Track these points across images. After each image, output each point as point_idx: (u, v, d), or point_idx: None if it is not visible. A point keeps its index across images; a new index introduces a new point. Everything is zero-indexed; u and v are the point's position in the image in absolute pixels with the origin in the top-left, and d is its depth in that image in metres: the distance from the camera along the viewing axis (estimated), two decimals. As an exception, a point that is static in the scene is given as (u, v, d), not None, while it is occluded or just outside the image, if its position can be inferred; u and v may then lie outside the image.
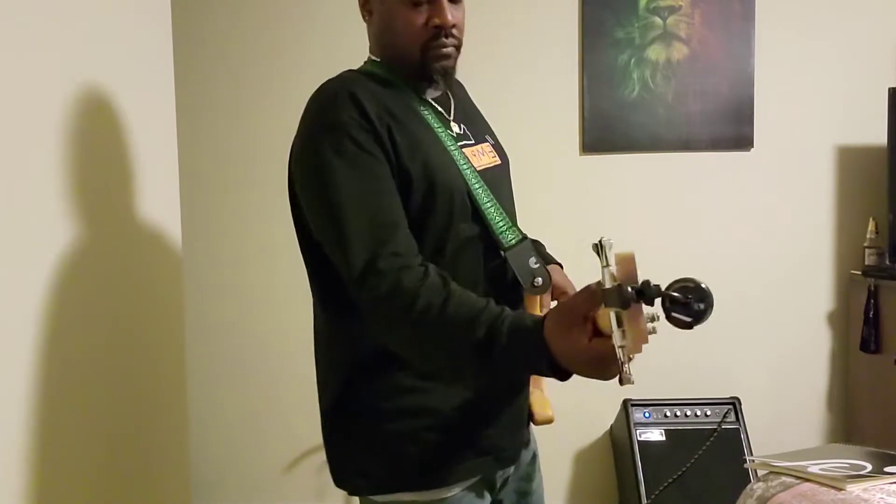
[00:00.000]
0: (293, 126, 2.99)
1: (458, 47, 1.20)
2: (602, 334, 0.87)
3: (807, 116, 2.76)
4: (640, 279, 0.84)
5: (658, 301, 0.85)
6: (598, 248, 0.85)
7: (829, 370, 2.80)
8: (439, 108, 1.24)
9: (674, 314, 0.84)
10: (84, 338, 1.52)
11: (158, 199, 1.85)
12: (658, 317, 0.84)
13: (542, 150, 2.72)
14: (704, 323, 0.84)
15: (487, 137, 1.31)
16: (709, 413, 2.58)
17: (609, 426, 2.78)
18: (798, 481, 1.54)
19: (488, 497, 1.22)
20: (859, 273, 2.65)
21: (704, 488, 2.42)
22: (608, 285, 0.83)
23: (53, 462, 1.42)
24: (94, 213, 1.57)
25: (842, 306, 2.77)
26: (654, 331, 0.84)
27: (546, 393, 1.34)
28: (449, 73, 1.20)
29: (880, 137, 2.61)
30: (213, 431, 2.78)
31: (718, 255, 2.78)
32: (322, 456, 2.86)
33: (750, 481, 1.87)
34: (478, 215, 1.16)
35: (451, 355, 0.99)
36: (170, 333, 1.92)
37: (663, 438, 2.53)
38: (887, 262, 2.57)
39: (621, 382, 0.82)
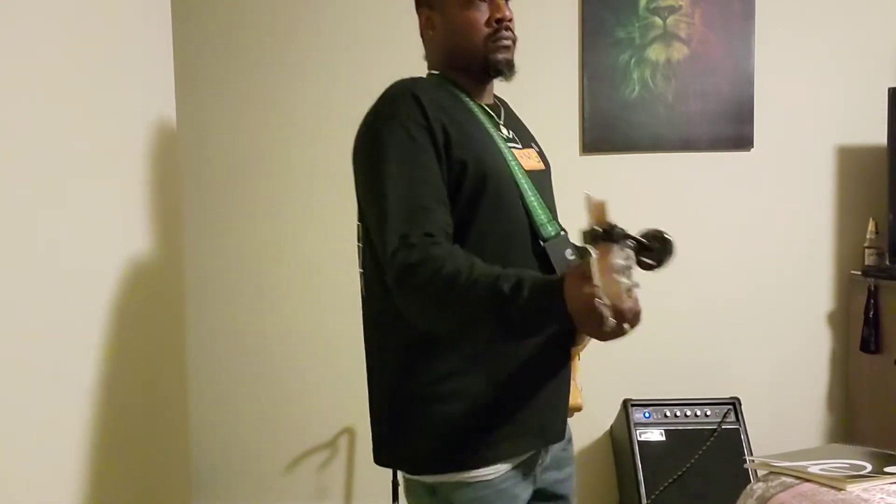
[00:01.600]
0: (294, 125, 3.00)
1: (514, 41, 1.33)
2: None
3: (807, 116, 2.76)
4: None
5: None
6: (588, 203, 0.94)
7: (829, 370, 2.80)
8: (491, 113, 1.35)
9: (641, 258, 0.94)
10: (84, 337, 1.52)
11: (160, 199, 1.85)
12: (631, 268, 0.92)
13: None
14: (667, 265, 0.97)
15: (533, 144, 1.42)
16: (709, 413, 2.58)
17: (609, 426, 2.78)
18: (798, 481, 1.54)
19: (531, 477, 1.28)
20: (859, 273, 2.65)
21: (704, 488, 2.42)
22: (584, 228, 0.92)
23: (53, 461, 1.42)
24: (94, 213, 1.57)
25: (842, 306, 2.77)
26: (630, 281, 0.91)
27: (578, 383, 1.38)
28: (511, 64, 1.33)
29: (880, 137, 2.61)
30: (213, 431, 2.78)
31: (718, 254, 2.78)
32: (322, 456, 2.86)
33: (750, 481, 1.87)
34: (523, 206, 1.25)
35: (477, 313, 1.05)
36: (170, 333, 1.92)
37: (663, 438, 2.53)
38: (887, 262, 2.57)
39: (605, 331, 0.90)
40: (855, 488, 1.45)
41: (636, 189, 2.77)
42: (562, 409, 1.32)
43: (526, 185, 1.27)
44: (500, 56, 1.31)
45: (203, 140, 2.75)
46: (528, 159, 1.33)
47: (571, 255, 1.28)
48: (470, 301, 1.04)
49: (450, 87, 1.32)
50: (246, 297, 2.80)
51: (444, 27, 1.33)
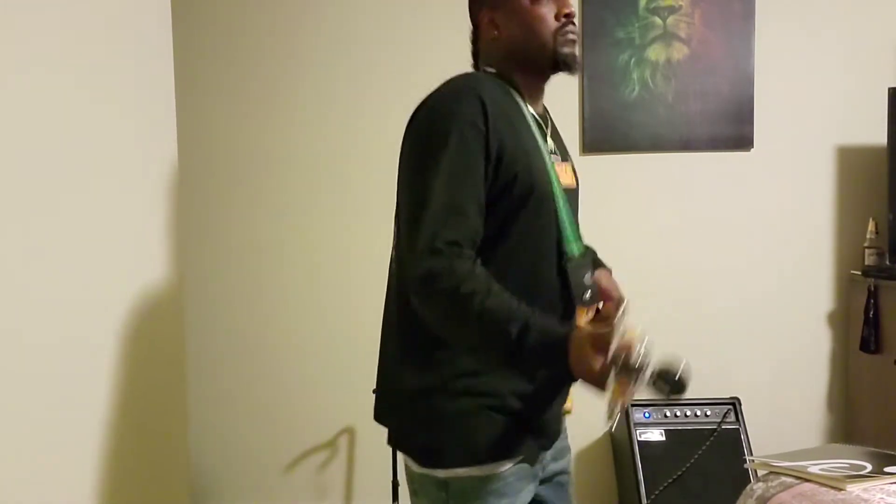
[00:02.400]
0: (294, 125, 3.00)
1: (574, 35, 1.35)
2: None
3: (807, 116, 2.76)
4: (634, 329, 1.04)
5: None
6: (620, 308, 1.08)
7: (829, 370, 2.80)
8: (540, 122, 1.36)
9: (656, 388, 1.05)
10: (83, 338, 1.52)
11: (158, 198, 1.86)
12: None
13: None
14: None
15: (569, 159, 1.43)
16: (709, 413, 2.58)
17: (609, 426, 2.78)
18: (798, 481, 1.54)
19: (537, 469, 1.31)
20: (859, 273, 2.65)
21: (704, 488, 2.42)
22: (613, 349, 1.02)
23: (53, 461, 1.42)
24: (93, 213, 1.57)
25: (842, 306, 2.77)
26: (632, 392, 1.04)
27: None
28: (576, 59, 1.35)
29: (880, 137, 2.61)
30: (213, 431, 2.78)
31: (718, 255, 2.78)
32: (322, 456, 2.86)
33: (750, 481, 1.87)
34: (556, 223, 1.27)
35: (483, 342, 1.13)
36: (170, 333, 1.92)
37: (663, 438, 2.53)
38: (887, 262, 2.57)
39: (608, 417, 1.07)
40: (855, 488, 1.45)
41: (636, 189, 2.77)
42: (560, 418, 1.37)
43: (561, 203, 1.28)
44: (568, 50, 1.32)
45: (203, 140, 2.75)
46: (564, 175, 1.34)
47: (589, 280, 1.32)
48: (477, 330, 1.11)
49: (509, 89, 1.32)
50: (246, 297, 2.80)
51: (511, 25, 1.33)
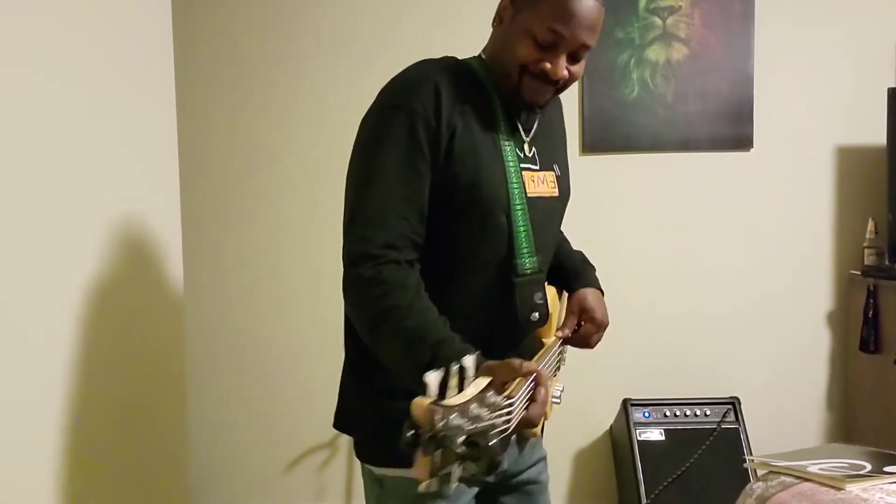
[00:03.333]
0: (294, 123, 2.99)
1: (558, 90, 1.23)
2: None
3: (807, 116, 2.76)
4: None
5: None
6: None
7: (828, 370, 2.80)
8: (518, 126, 1.26)
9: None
10: (83, 337, 1.52)
11: (158, 199, 1.86)
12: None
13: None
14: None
15: (555, 168, 1.34)
16: (708, 413, 2.58)
17: (609, 426, 2.78)
18: (798, 481, 1.54)
19: (477, 485, 1.26)
20: (859, 273, 2.66)
21: (704, 488, 2.42)
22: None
23: (53, 461, 1.42)
24: (93, 213, 1.57)
25: (841, 306, 2.77)
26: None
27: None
28: (533, 111, 1.25)
29: (880, 137, 2.61)
30: (213, 431, 2.79)
31: (718, 255, 2.78)
32: (322, 456, 2.86)
33: (749, 481, 1.87)
34: (509, 236, 1.19)
35: (398, 360, 1.06)
36: (170, 333, 1.92)
37: (663, 438, 2.53)
38: (887, 262, 2.57)
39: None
40: (854, 488, 1.45)
41: (636, 189, 2.77)
42: None
43: (519, 214, 1.19)
44: (528, 95, 1.20)
45: (203, 139, 2.75)
46: (539, 184, 1.25)
47: (540, 299, 1.23)
48: (390, 347, 1.06)
49: (487, 82, 1.23)
50: (245, 297, 2.80)
51: (505, 32, 1.22)
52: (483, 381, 0.82)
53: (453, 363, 0.79)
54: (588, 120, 2.74)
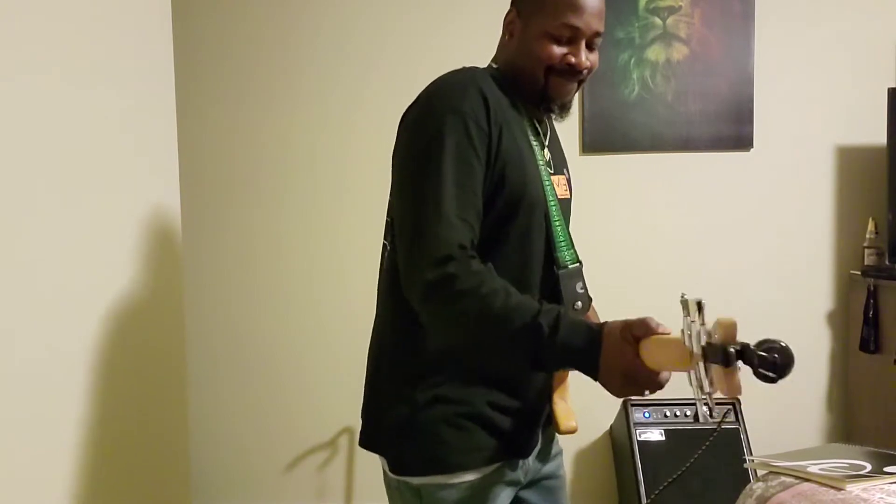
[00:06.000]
0: (294, 123, 2.99)
1: (580, 84, 1.30)
2: (640, 357, 1.00)
3: (807, 116, 2.76)
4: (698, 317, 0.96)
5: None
6: (692, 306, 0.96)
7: (828, 370, 2.80)
8: (539, 130, 1.32)
9: (761, 370, 0.93)
10: (83, 338, 1.52)
11: (158, 199, 1.86)
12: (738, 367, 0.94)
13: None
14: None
15: (564, 171, 1.41)
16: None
17: (609, 426, 2.78)
18: (798, 481, 1.54)
19: (516, 475, 1.28)
20: (859, 273, 2.65)
21: (704, 488, 2.42)
22: (705, 341, 0.93)
23: (53, 462, 1.42)
24: (93, 212, 1.57)
25: (841, 306, 2.77)
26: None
27: (570, 405, 1.38)
28: (566, 107, 1.31)
29: (880, 137, 2.61)
30: (213, 431, 2.79)
31: (718, 254, 2.78)
32: (322, 456, 2.86)
33: (750, 481, 1.87)
34: (547, 232, 1.25)
35: (511, 340, 1.06)
36: (170, 333, 1.92)
37: (663, 438, 2.53)
38: (887, 262, 2.57)
39: (701, 419, 0.95)
40: (854, 488, 1.45)
41: (636, 189, 2.77)
42: (535, 431, 1.32)
43: (554, 210, 1.26)
44: (557, 95, 1.27)
45: (203, 139, 2.75)
46: (558, 186, 1.32)
47: (581, 288, 1.28)
48: (504, 328, 1.06)
49: (510, 90, 1.27)
50: (245, 297, 2.80)
51: (520, 42, 1.27)
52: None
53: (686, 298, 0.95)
54: (588, 120, 2.74)
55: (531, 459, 1.32)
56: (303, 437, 2.80)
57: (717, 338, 0.92)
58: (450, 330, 1.13)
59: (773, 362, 0.92)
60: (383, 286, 1.30)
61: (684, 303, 0.97)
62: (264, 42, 2.75)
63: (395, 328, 1.26)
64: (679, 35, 2.72)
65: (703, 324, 0.94)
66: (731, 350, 0.91)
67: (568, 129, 2.76)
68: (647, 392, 1.01)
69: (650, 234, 2.77)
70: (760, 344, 0.93)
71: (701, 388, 0.93)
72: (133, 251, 1.71)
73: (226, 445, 2.81)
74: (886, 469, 1.53)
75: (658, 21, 2.71)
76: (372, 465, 1.35)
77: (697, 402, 0.94)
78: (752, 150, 2.76)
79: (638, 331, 1.01)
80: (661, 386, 1.01)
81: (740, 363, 0.91)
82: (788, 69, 2.75)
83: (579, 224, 2.71)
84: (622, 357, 1.00)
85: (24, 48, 1.33)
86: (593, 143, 2.74)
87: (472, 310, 1.07)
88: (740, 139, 2.75)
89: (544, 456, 1.38)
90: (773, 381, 0.92)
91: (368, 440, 1.31)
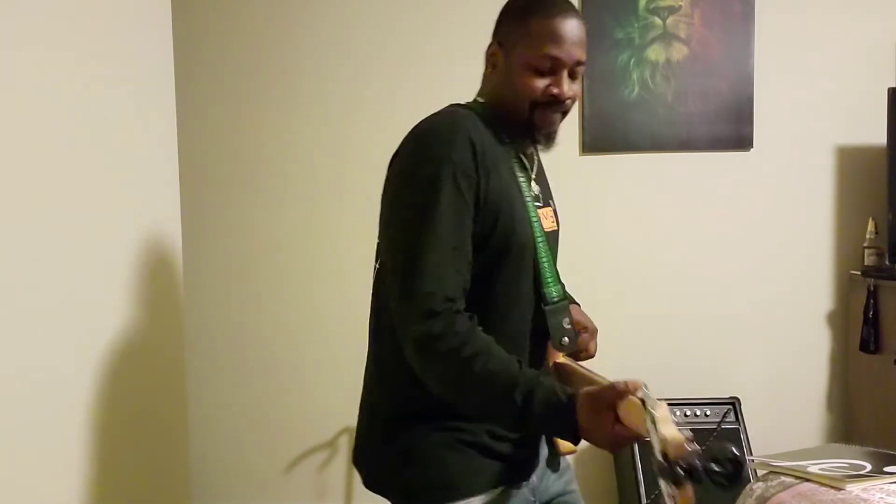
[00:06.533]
0: (294, 123, 2.99)
1: (564, 114, 1.32)
2: (620, 422, 1.02)
3: (807, 116, 2.76)
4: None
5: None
6: (647, 417, 0.99)
7: (828, 370, 2.80)
8: (526, 164, 1.33)
9: (714, 481, 0.99)
10: (83, 338, 1.52)
11: (158, 199, 1.86)
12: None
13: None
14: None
15: (551, 202, 1.41)
16: (709, 413, 2.58)
17: None
18: (798, 481, 1.54)
19: (526, 499, 1.29)
20: (859, 273, 2.65)
21: (704, 488, 2.42)
22: (658, 454, 0.96)
23: (53, 462, 1.42)
24: (93, 212, 1.57)
25: (841, 306, 2.77)
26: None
27: None
28: (551, 137, 1.32)
29: (880, 137, 2.61)
30: (213, 431, 2.79)
31: (718, 255, 2.78)
32: (322, 456, 2.85)
33: (750, 481, 1.87)
34: (535, 270, 1.25)
35: (488, 406, 1.11)
36: (170, 333, 1.92)
37: (663, 438, 2.52)
38: (887, 262, 2.57)
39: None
40: (854, 488, 1.45)
41: (636, 189, 2.77)
42: (537, 448, 1.33)
43: (541, 247, 1.26)
44: (542, 127, 1.28)
45: (203, 139, 2.75)
46: (545, 219, 1.32)
47: (568, 324, 1.29)
48: (480, 394, 1.09)
49: (496, 126, 1.28)
50: (245, 297, 2.80)
51: (503, 73, 1.28)
52: (662, 404, 0.98)
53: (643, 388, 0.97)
54: (588, 120, 2.74)
55: (535, 477, 1.32)
56: (303, 437, 2.80)
57: (668, 455, 0.96)
58: (438, 387, 1.15)
59: (723, 474, 0.98)
60: (375, 323, 1.30)
61: (644, 398, 1.00)
62: (264, 42, 2.75)
63: (391, 363, 1.26)
64: (679, 35, 2.72)
65: (656, 431, 0.97)
66: (679, 471, 0.95)
67: (568, 130, 2.76)
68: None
69: (650, 235, 2.77)
70: (709, 456, 0.97)
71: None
72: (133, 251, 1.71)
73: (226, 445, 2.81)
74: (886, 469, 1.53)
75: (658, 21, 2.71)
76: (372, 465, 1.35)
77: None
78: (752, 150, 2.76)
79: (610, 399, 1.02)
80: (643, 439, 1.02)
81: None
82: (788, 69, 2.75)
83: (579, 224, 2.73)
84: (604, 428, 1.02)
85: (23, 48, 1.33)
86: (593, 144, 2.74)
87: (453, 372, 1.10)
88: (740, 139, 2.75)
89: (554, 468, 1.38)
90: (724, 487, 0.98)
91: (372, 481, 1.31)
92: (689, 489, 0.96)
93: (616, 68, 2.72)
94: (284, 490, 2.81)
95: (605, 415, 1.02)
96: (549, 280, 1.27)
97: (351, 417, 2.89)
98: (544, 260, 1.26)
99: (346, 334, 2.74)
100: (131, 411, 1.70)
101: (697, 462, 0.96)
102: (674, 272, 2.78)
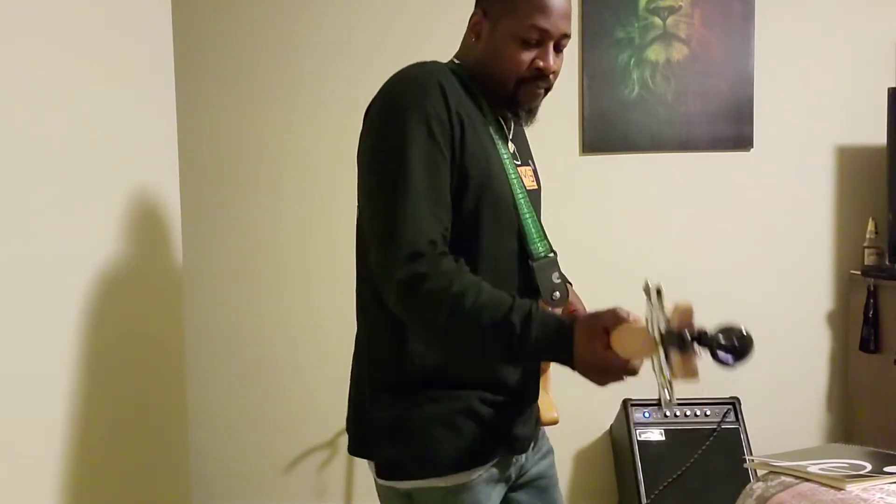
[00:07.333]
0: (294, 122, 2.99)
1: (547, 90, 1.29)
2: (612, 348, 1.02)
3: (807, 116, 2.76)
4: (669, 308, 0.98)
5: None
6: (652, 293, 0.99)
7: (828, 370, 2.80)
8: (502, 125, 1.32)
9: (720, 353, 0.97)
10: (83, 337, 1.52)
11: (158, 198, 1.86)
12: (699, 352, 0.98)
13: (542, 150, 2.70)
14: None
15: (530, 162, 1.40)
16: (709, 413, 2.58)
17: (609, 426, 2.78)
18: (798, 481, 1.54)
19: (506, 475, 1.28)
20: (859, 273, 2.66)
21: (704, 488, 2.42)
22: (663, 328, 0.96)
23: (53, 461, 1.42)
24: (93, 212, 1.57)
25: (841, 306, 2.77)
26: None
27: (552, 396, 1.37)
28: (532, 112, 1.30)
29: (880, 137, 2.61)
30: (213, 431, 2.79)
31: (718, 255, 2.78)
32: (322, 456, 2.85)
33: (750, 481, 1.87)
34: (518, 225, 1.24)
35: (483, 338, 1.08)
36: (169, 333, 1.92)
37: (663, 438, 2.53)
38: (887, 262, 2.57)
39: (662, 405, 1.00)
40: (854, 488, 1.45)
41: (636, 189, 2.77)
42: (529, 425, 1.32)
43: (523, 203, 1.25)
44: (525, 102, 1.27)
45: (203, 138, 2.75)
46: (525, 177, 1.31)
47: (557, 278, 1.28)
48: (475, 327, 1.07)
49: (471, 85, 1.27)
50: (245, 297, 2.80)
51: (488, 44, 1.26)
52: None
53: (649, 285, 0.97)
54: (588, 120, 2.74)
55: (524, 455, 1.32)
56: (303, 437, 2.80)
57: (674, 324, 0.96)
58: (425, 329, 1.14)
59: (732, 347, 0.95)
60: (359, 292, 1.29)
61: (646, 289, 0.99)
62: (264, 41, 2.75)
63: (377, 330, 1.26)
64: (679, 35, 2.72)
65: (662, 310, 0.97)
66: (687, 335, 0.95)
67: (568, 129, 2.76)
68: (624, 378, 1.04)
69: (650, 235, 2.77)
70: (720, 328, 0.97)
71: (662, 373, 0.96)
72: (133, 250, 1.71)
73: (226, 445, 2.81)
74: (886, 469, 1.53)
75: (658, 21, 2.71)
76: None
77: (658, 388, 0.97)
78: (752, 150, 2.76)
79: (607, 321, 1.03)
80: (634, 373, 1.03)
81: (698, 347, 0.95)
82: (788, 69, 2.75)
83: (579, 224, 2.73)
84: (594, 348, 1.02)
85: (23, 48, 1.33)
86: (593, 143, 2.74)
87: (444, 309, 1.08)
88: (740, 139, 2.75)
89: (535, 451, 1.37)
90: (731, 365, 0.96)
91: (357, 445, 1.30)
92: (692, 358, 0.96)
93: (616, 68, 2.72)
94: (284, 490, 2.81)
95: (597, 337, 1.02)
96: (535, 236, 1.26)
97: (351, 417, 2.84)
98: (527, 216, 1.25)
99: (346, 334, 2.72)
100: (131, 411, 1.70)
101: (705, 330, 0.95)
102: (674, 272, 2.77)
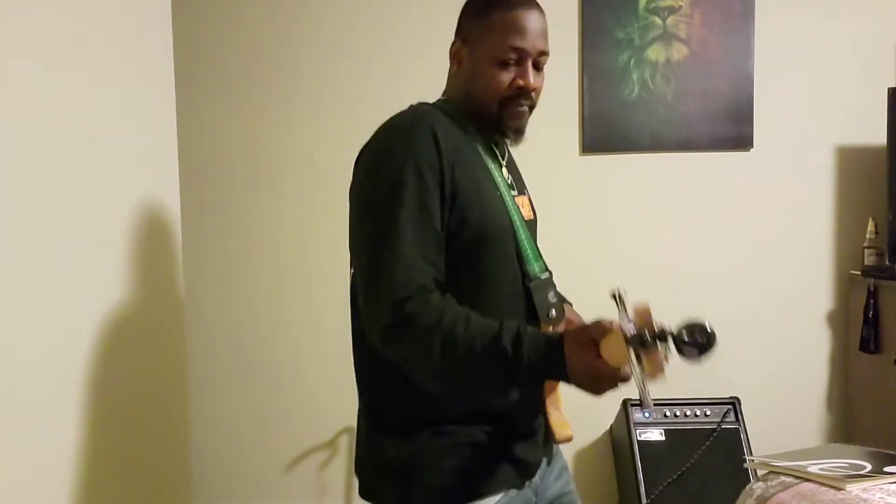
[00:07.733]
0: (294, 123, 2.99)
1: (531, 108, 1.32)
2: (601, 357, 1.06)
3: (807, 116, 2.76)
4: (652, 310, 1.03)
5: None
6: (616, 299, 1.06)
7: (828, 370, 2.80)
8: (496, 153, 1.34)
9: (684, 350, 1.02)
10: (84, 338, 1.52)
11: (158, 198, 1.86)
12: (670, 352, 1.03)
13: (542, 151, 2.71)
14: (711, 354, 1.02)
15: (525, 192, 1.41)
16: (709, 413, 2.58)
17: (609, 426, 2.78)
18: (798, 481, 1.54)
19: (528, 499, 1.29)
20: (859, 273, 2.66)
21: (704, 488, 2.42)
22: (630, 331, 1.01)
23: (54, 462, 1.42)
24: (93, 212, 1.57)
25: (841, 306, 2.77)
26: (667, 360, 1.04)
27: (564, 413, 1.39)
28: (520, 131, 1.32)
29: (880, 137, 2.61)
30: (214, 431, 2.79)
31: (718, 255, 2.78)
32: (322, 456, 2.85)
33: (750, 481, 1.87)
34: (517, 249, 1.26)
35: (477, 366, 1.10)
36: (170, 333, 1.92)
37: (663, 438, 2.53)
38: (887, 262, 2.57)
39: (643, 405, 1.04)
40: (854, 488, 1.45)
41: (636, 189, 2.77)
42: (536, 447, 1.33)
43: (520, 227, 1.28)
44: (511, 122, 1.29)
45: (203, 138, 2.75)
46: (522, 207, 1.34)
47: (553, 297, 1.31)
48: (467, 357, 1.08)
49: (462, 119, 1.30)
50: (245, 297, 2.80)
51: (469, 69, 1.30)
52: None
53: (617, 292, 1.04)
54: (588, 120, 2.74)
55: (537, 476, 1.32)
56: (303, 437, 2.80)
57: (635, 325, 1.01)
58: (422, 365, 1.14)
59: (695, 341, 1.01)
60: (354, 329, 1.31)
61: (613, 296, 1.06)
62: (264, 42, 2.75)
63: (374, 374, 1.27)
64: (679, 35, 2.72)
65: (626, 313, 1.04)
66: (647, 334, 1.00)
67: (568, 130, 2.76)
68: (619, 385, 1.06)
69: (650, 235, 2.77)
70: (684, 325, 1.03)
71: (636, 373, 1.01)
72: (133, 251, 1.71)
73: (226, 445, 2.81)
74: (886, 469, 1.53)
75: (658, 21, 2.71)
76: (372, 465, 1.34)
77: (637, 389, 1.02)
78: (752, 150, 2.76)
79: (594, 333, 1.06)
80: (626, 379, 1.05)
81: (661, 344, 1.00)
82: (788, 69, 2.75)
83: (579, 224, 2.73)
84: (585, 359, 1.05)
85: (23, 48, 1.33)
86: (593, 144, 2.74)
87: (436, 342, 1.09)
88: (740, 139, 2.75)
89: (549, 471, 1.38)
90: (696, 359, 1.01)
91: (366, 490, 1.30)
92: (657, 355, 1.00)
93: (616, 68, 2.72)
94: (284, 490, 2.81)
95: (587, 348, 1.05)
96: (531, 257, 1.29)
97: (351, 417, 2.88)
98: (523, 238, 1.28)
99: (345, 334, 2.72)
100: (132, 411, 1.70)
101: (665, 327, 1.01)
102: (674, 272, 2.78)
